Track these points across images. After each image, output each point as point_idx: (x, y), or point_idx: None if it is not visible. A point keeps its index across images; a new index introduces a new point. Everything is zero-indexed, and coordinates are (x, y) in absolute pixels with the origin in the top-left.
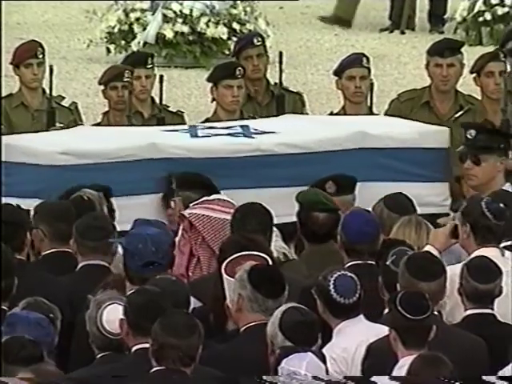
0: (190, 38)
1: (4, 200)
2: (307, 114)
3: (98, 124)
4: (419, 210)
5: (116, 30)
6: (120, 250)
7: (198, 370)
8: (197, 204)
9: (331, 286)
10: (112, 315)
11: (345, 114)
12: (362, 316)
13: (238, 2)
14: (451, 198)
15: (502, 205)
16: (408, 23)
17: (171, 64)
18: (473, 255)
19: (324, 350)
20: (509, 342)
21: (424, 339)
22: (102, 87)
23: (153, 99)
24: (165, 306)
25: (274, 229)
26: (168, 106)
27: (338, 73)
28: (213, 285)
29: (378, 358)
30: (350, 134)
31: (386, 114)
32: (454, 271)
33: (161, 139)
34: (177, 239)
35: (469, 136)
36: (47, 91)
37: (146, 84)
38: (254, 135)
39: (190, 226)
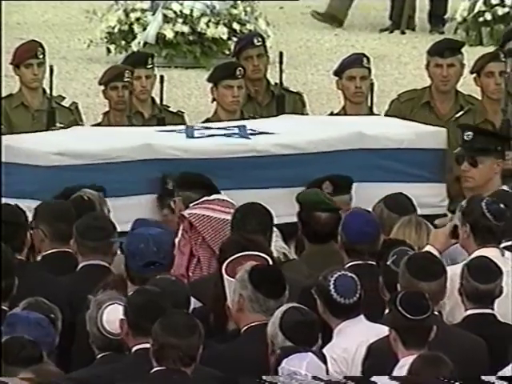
0: (191, 38)
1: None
2: (307, 114)
3: (99, 124)
4: None
5: (116, 30)
6: (118, 250)
7: (198, 370)
8: (197, 204)
9: (331, 286)
10: (112, 315)
11: (345, 114)
12: (362, 316)
13: (239, 2)
14: (449, 199)
15: (502, 205)
16: (408, 23)
17: (171, 64)
18: (473, 255)
19: (324, 350)
20: (509, 342)
21: (424, 339)
22: (102, 87)
23: (153, 99)
24: (165, 306)
25: (274, 229)
26: (168, 107)
27: (339, 73)
28: (213, 285)
29: (378, 358)
30: (347, 134)
31: (387, 114)
32: (454, 271)
33: (156, 140)
34: (177, 240)
35: (466, 138)
36: (47, 91)
37: (146, 84)
38: (250, 136)
39: (190, 227)
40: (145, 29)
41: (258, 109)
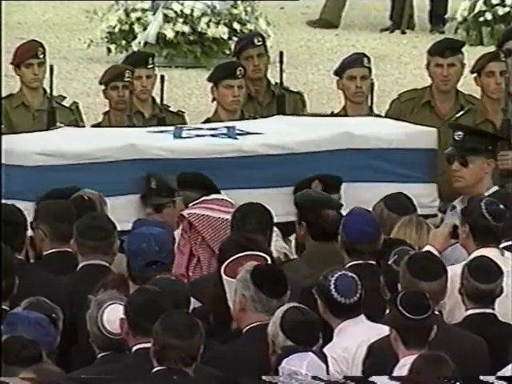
0: (191, 37)
1: None
2: (308, 114)
3: (99, 124)
4: None
5: (117, 29)
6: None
7: (199, 370)
8: (196, 204)
9: (332, 286)
10: (113, 315)
11: (345, 114)
12: (362, 316)
13: (239, 2)
14: (439, 199)
15: (501, 206)
16: (408, 23)
17: (172, 64)
18: (473, 255)
19: (325, 350)
20: (509, 342)
21: (425, 339)
22: (102, 87)
23: (153, 99)
24: (165, 305)
25: (275, 228)
26: (169, 106)
27: (339, 73)
28: (213, 285)
29: (378, 357)
30: (336, 134)
31: (387, 113)
32: (454, 271)
33: (142, 140)
34: (176, 239)
35: (456, 137)
36: (48, 91)
37: (146, 84)
38: (237, 136)
39: (190, 226)
40: (145, 28)
41: (259, 108)
